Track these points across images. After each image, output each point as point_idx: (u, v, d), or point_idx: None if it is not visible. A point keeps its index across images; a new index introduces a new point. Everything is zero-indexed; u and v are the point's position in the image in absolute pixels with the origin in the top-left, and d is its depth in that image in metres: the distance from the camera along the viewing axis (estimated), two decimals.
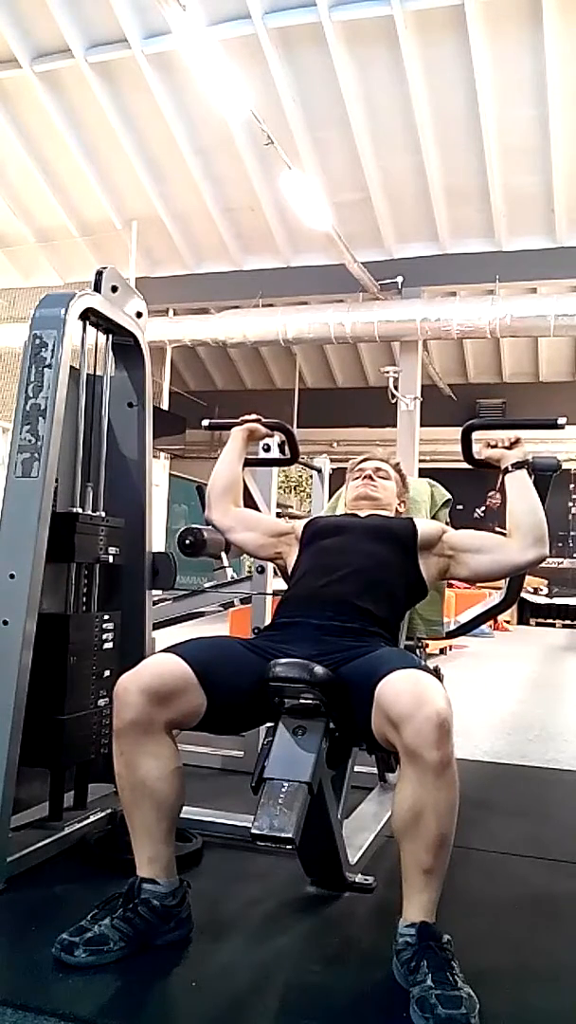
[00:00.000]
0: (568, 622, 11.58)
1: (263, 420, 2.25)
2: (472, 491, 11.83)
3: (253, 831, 1.40)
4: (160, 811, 1.54)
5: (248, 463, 2.30)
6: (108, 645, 2.08)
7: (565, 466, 11.36)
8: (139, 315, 2.21)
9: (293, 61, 7.32)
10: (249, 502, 2.58)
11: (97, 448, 2.17)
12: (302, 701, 1.51)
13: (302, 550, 2.01)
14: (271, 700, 1.54)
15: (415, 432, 9.13)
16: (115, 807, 1.99)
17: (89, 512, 2.08)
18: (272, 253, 9.19)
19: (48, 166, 8.97)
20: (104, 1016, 1.33)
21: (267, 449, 2.64)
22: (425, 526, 2.01)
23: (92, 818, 2.06)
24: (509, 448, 1.95)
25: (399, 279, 8.81)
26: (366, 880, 1.83)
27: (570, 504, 13.41)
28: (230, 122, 7.58)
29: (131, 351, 2.24)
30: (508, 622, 10.41)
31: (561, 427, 2.06)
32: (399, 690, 1.44)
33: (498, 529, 2.01)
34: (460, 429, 2.11)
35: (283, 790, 1.43)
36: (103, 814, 2.08)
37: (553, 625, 11.56)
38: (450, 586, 3.23)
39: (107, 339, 2.18)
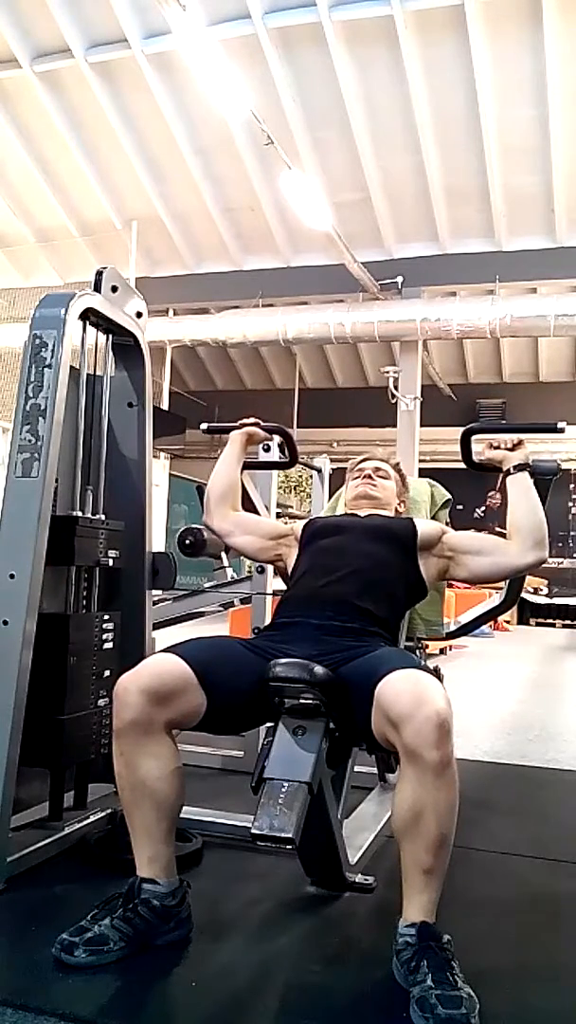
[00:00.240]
0: (568, 622, 11.58)
1: (262, 424, 2.25)
2: (472, 491, 11.85)
3: (253, 831, 1.40)
4: (160, 811, 1.54)
5: (247, 466, 2.29)
6: (108, 645, 2.08)
7: (565, 467, 11.36)
8: (139, 315, 2.21)
9: (293, 61, 7.32)
10: (248, 505, 2.58)
11: (97, 449, 2.17)
12: (302, 701, 1.51)
13: (302, 550, 2.01)
14: (271, 700, 1.54)
15: (415, 432, 9.13)
16: (115, 807, 1.99)
17: (89, 515, 2.08)
18: (272, 253, 9.19)
19: (48, 166, 8.96)
20: (104, 1016, 1.34)
21: (267, 449, 2.65)
22: (425, 526, 2.01)
23: (92, 818, 2.06)
24: (511, 450, 1.95)
25: (399, 279, 8.81)
26: (366, 880, 1.83)
27: (570, 504, 13.41)
28: (230, 122, 7.58)
29: (131, 351, 2.24)
30: (508, 622, 10.41)
31: (561, 431, 2.06)
32: (399, 690, 1.44)
33: (498, 529, 2.01)
34: (460, 429, 2.11)
35: (283, 790, 1.43)
36: (103, 814, 2.08)
37: (553, 625, 11.55)
38: (450, 586, 3.24)
39: (107, 339, 2.18)
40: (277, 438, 2.41)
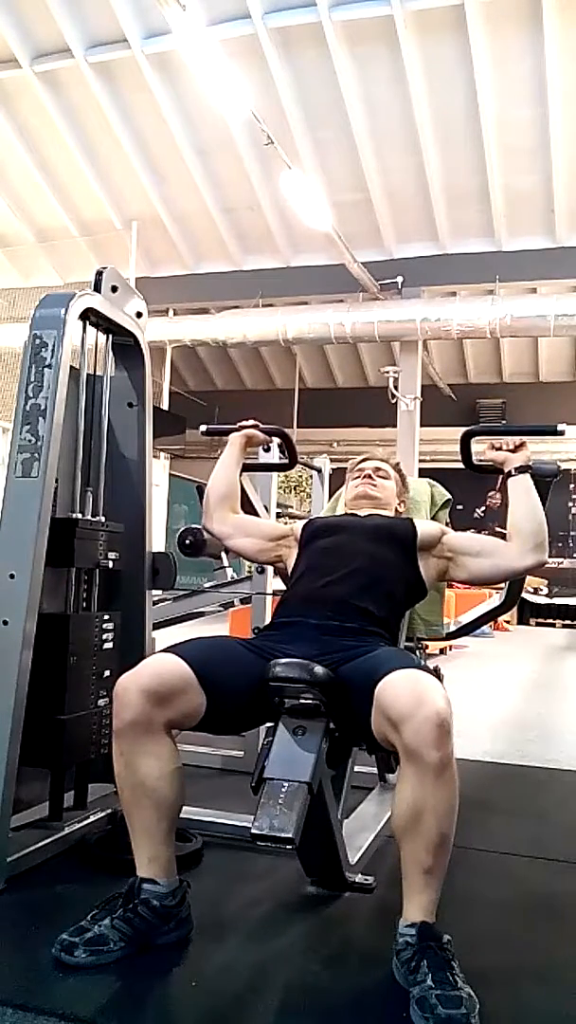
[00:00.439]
0: (568, 622, 11.58)
1: (261, 426, 2.25)
2: (472, 491, 11.86)
3: (253, 831, 1.40)
4: (160, 811, 1.54)
5: (246, 468, 2.29)
6: (108, 645, 2.08)
7: (565, 467, 11.36)
8: (139, 315, 2.21)
9: (293, 61, 7.32)
10: (247, 507, 2.58)
11: (97, 450, 2.17)
12: (302, 701, 1.51)
13: (301, 550, 2.01)
14: (271, 700, 1.54)
15: (415, 432, 9.13)
16: (115, 807, 1.99)
17: (89, 517, 2.08)
18: (272, 253, 9.19)
19: (48, 166, 8.96)
20: (104, 1016, 1.34)
21: (267, 449, 2.64)
22: (425, 527, 2.01)
23: (92, 818, 2.06)
24: (513, 451, 1.95)
25: (399, 279, 8.80)
26: (366, 880, 1.83)
27: (570, 504, 13.41)
28: (230, 122, 7.58)
29: (131, 351, 2.24)
30: (508, 622, 10.40)
31: (561, 434, 2.05)
32: (399, 690, 1.44)
33: (499, 529, 2.01)
34: (460, 429, 2.11)
35: (283, 790, 1.43)
36: (103, 814, 2.08)
37: (553, 625, 11.55)
38: (450, 586, 3.24)
39: (107, 339, 2.18)
40: (276, 440, 2.41)
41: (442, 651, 6.93)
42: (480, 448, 2.06)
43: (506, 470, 1.94)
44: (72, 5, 7.37)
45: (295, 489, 13.82)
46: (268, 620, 2.19)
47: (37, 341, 1.84)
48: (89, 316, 2.02)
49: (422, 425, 9.30)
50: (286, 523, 2.21)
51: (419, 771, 1.39)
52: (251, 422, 2.24)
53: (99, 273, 2.07)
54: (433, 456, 10.01)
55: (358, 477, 2.20)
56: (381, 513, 2.11)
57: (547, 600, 11.85)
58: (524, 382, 13.02)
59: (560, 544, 12.94)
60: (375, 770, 2.50)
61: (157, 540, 4.65)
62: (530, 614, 11.59)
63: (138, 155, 8.50)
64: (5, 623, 1.75)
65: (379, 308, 8.89)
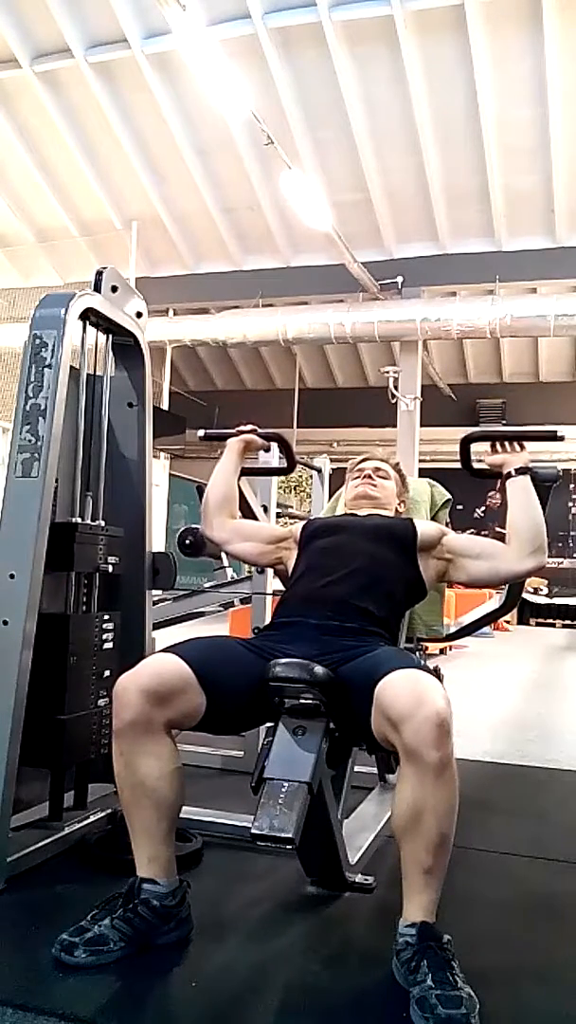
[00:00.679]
0: (568, 622, 11.59)
1: (259, 431, 2.24)
2: (472, 491, 11.85)
3: (253, 831, 1.40)
4: (160, 811, 1.54)
5: (245, 472, 2.29)
6: (108, 645, 2.08)
7: (565, 467, 11.37)
8: (139, 315, 2.21)
9: (293, 61, 7.32)
10: (246, 511, 2.58)
11: (97, 450, 2.17)
12: (302, 701, 1.51)
13: (301, 551, 2.01)
14: (271, 700, 1.54)
15: (415, 432, 9.13)
16: (115, 807, 1.98)
17: (88, 521, 2.08)
18: (272, 253, 9.20)
19: (48, 166, 8.97)
20: (104, 1016, 1.34)
21: (267, 450, 2.64)
22: (425, 527, 2.01)
23: (92, 818, 2.06)
24: (513, 452, 1.95)
25: (399, 279, 8.81)
26: (366, 880, 1.83)
27: (570, 504, 13.41)
28: (230, 122, 7.58)
29: (131, 351, 2.24)
30: (508, 622, 10.40)
31: (561, 439, 2.04)
32: (399, 690, 1.44)
33: (499, 529, 2.01)
34: (460, 429, 2.10)
35: (283, 790, 1.43)
36: (103, 814, 2.08)
37: (553, 625, 11.56)
38: (450, 587, 3.24)
39: (107, 339, 2.18)
40: (274, 444, 2.41)
41: (442, 651, 6.93)
42: (480, 450, 2.06)
43: (505, 472, 1.94)
44: (72, 5, 7.38)
45: (295, 489, 13.82)
46: (268, 620, 2.19)
47: (37, 341, 1.84)
48: (89, 316, 2.02)
49: (422, 425, 9.30)
50: (286, 524, 2.21)
51: (419, 771, 1.39)
52: (249, 427, 2.23)
53: (99, 273, 2.07)
54: (433, 456, 10.01)
55: (358, 477, 2.20)
56: (381, 513, 2.11)
57: (547, 600, 11.86)
58: (524, 382, 13.02)
59: (560, 544, 12.94)
60: (375, 770, 2.50)
61: (157, 540, 4.65)
62: (530, 614, 11.59)
63: (138, 155, 8.51)
64: (5, 623, 1.75)
65: (379, 308, 8.89)
